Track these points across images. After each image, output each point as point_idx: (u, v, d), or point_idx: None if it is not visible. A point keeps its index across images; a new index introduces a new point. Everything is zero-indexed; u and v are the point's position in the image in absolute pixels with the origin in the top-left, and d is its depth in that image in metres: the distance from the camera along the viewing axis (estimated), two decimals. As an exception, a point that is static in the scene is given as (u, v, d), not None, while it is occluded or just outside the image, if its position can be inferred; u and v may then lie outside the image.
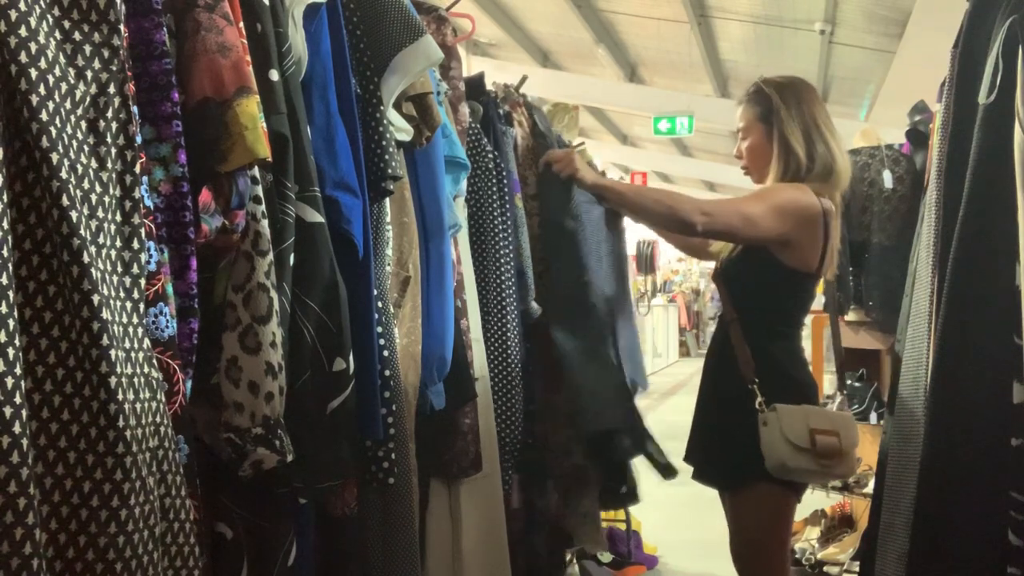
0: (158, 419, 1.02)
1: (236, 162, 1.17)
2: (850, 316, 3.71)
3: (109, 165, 1.01)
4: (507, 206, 2.37)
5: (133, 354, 1.00)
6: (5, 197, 0.87)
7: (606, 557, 3.69)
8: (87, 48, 1.00)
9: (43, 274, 0.94)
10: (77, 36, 1.00)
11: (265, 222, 1.25)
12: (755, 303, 2.22)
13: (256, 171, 1.25)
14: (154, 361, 1.04)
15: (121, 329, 0.98)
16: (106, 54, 1.01)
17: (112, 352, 0.95)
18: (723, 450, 2.25)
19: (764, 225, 2.12)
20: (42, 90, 0.93)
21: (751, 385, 2.13)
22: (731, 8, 7.30)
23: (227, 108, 1.16)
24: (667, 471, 2.51)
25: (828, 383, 4.59)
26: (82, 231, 0.94)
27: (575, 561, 3.43)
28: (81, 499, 0.94)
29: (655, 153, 14.13)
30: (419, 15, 1.74)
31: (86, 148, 0.98)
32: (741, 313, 2.22)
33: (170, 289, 1.09)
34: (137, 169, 1.04)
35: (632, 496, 2.79)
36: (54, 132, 0.93)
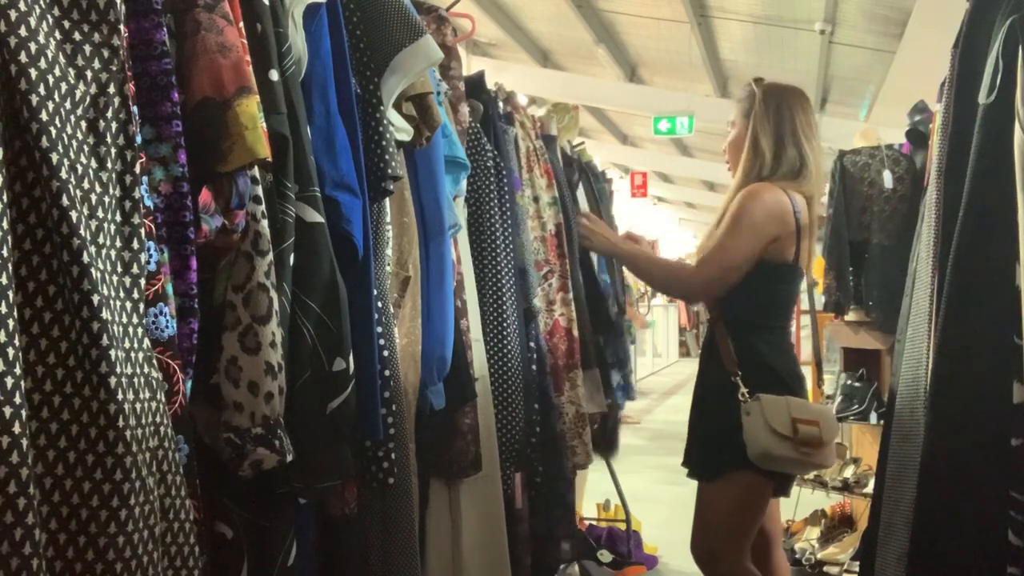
0: (158, 419, 1.02)
1: (236, 162, 1.17)
2: (850, 316, 3.72)
3: (109, 165, 1.01)
4: (507, 205, 2.38)
5: (133, 354, 0.99)
6: (5, 197, 0.87)
7: (606, 557, 3.68)
8: (87, 48, 1.00)
9: (43, 274, 0.94)
10: (77, 36, 1.00)
11: (265, 222, 1.25)
12: (734, 298, 2.27)
13: (256, 171, 1.25)
14: (154, 361, 1.04)
15: (121, 329, 0.98)
16: (106, 54, 1.01)
17: (112, 352, 0.95)
18: (706, 440, 2.30)
19: (744, 254, 2.21)
20: (42, 90, 0.93)
21: (734, 378, 2.19)
22: (731, 8, 7.28)
23: (227, 108, 1.16)
24: None
25: (828, 383, 4.59)
26: (82, 231, 0.94)
27: (575, 561, 3.42)
28: (81, 499, 0.94)
29: (655, 153, 14.10)
30: (419, 15, 1.74)
31: (86, 148, 0.98)
32: (722, 309, 2.29)
33: (170, 289, 1.09)
34: (137, 169, 1.04)
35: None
36: (54, 132, 0.93)
